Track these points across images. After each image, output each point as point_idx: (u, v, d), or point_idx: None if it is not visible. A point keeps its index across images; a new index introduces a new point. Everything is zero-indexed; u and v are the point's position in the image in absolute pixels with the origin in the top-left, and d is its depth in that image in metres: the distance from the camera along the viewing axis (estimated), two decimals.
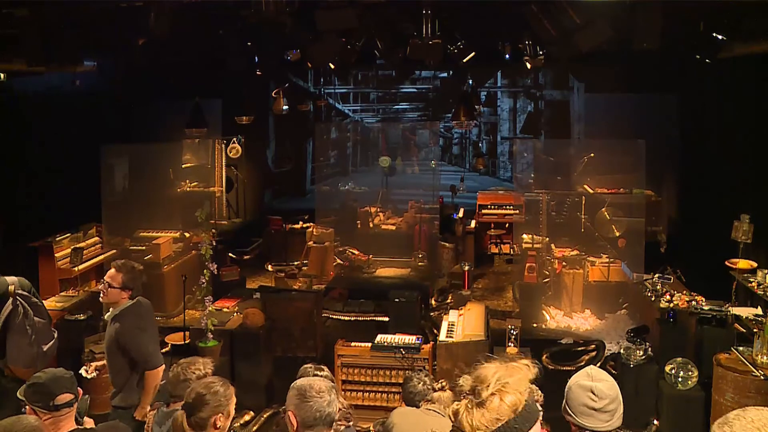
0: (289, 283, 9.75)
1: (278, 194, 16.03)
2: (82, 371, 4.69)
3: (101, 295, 4.62)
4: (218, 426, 2.96)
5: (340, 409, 3.31)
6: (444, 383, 3.94)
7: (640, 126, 9.71)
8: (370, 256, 11.21)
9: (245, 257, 11.52)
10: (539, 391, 3.44)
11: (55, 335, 5.36)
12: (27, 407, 3.03)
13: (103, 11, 6.09)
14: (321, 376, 3.59)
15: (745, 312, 6.38)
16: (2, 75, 7.37)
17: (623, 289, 8.84)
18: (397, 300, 7.58)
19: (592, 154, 10.81)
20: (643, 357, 6.21)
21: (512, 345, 6.27)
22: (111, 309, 4.58)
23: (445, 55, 7.26)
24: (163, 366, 4.41)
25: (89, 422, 3.36)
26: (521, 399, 1.76)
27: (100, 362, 4.81)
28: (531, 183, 12.06)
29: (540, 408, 3.32)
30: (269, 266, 10.92)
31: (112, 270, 4.53)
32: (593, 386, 2.57)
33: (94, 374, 4.70)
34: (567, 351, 7.60)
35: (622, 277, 8.93)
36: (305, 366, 3.86)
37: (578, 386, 2.60)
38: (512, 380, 1.77)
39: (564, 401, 2.66)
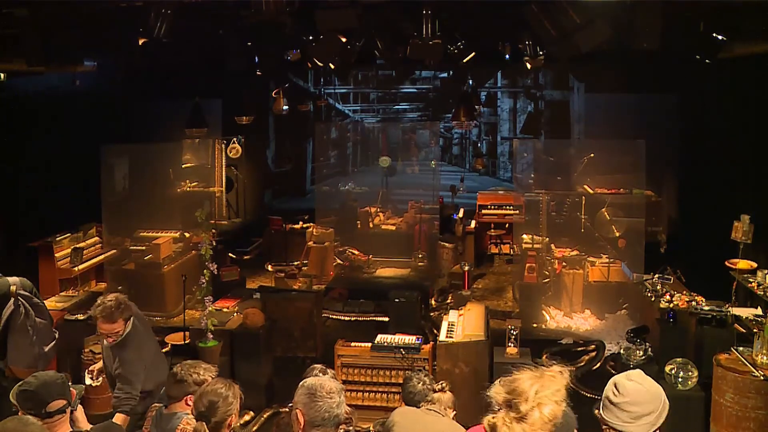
0: (289, 283, 9.75)
1: (278, 194, 16.03)
2: (87, 380, 4.64)
3: (106, 340, 4.41)
4: (231, 426, 3.05)
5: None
6: (444, 384, 3.93)
7: (640, 126, 9.71)
8: (370, 256, 11.20)
9: (245, 257, 11.53)
10: None
11: (56, 335, 5.36)
12: (20, 413, 2.98)
13: (103, 11, 6.09)
14: (325, 378, 3.58)
15: (745, 312, 6.38)
16: (2, 75, 7.37)
17: (623, 289, 8.84)
18: (397, 300, 7.58)
19: (592, 155, 10.82)
20: (643, 357, 6.21)
21: (512, 345, 6.26)
22: None
23: (445, 55, 7.24)
24: (128, 418, 4.28)
25: (80, 410, 3.32)
26: (559, 409, 1.74)
27: (98, 365, 4.77)
28: (531, 183, 12.06)
29: None
30: (269, 266, 10.92)
31: (108, 324, 4.26)
32: (618, 381, 2.58)
33: (100, 381, 4.67)
34: (567, 351, 7.60)
35: (622, 277, 8.93)
36: (313, 366, 3.86)
37: (611, 380, 2.62)
38: (549, 392, 1.75)
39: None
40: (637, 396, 2.56)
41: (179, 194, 11.84)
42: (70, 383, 3.27)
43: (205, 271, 6.86)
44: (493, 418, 1.79)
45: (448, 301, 9.12)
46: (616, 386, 2.57)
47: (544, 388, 1.75)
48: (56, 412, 3.00)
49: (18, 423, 2.69)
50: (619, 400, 2.54)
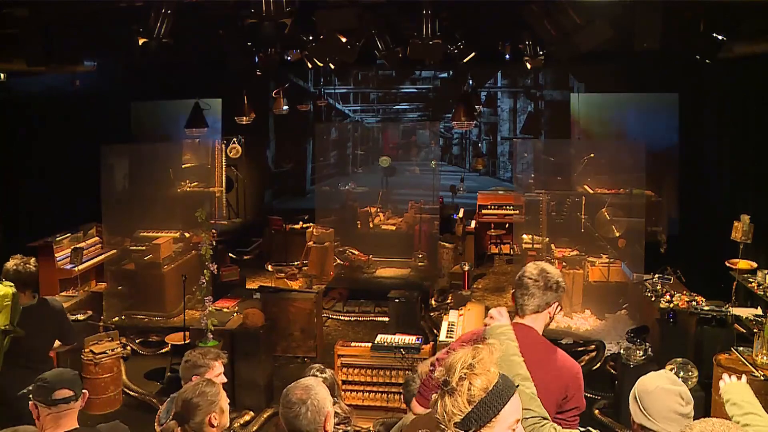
0: (289, 283, 9.76)
1: (278, 194, 16.04)
2: None
3: None
4: (214, 424, 2.89)
5: (337, 414, 3.30)
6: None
7: (640, 126, 9.73)
8: (370, 256, 11.21)
9: (245, 257, 11.54)
10: None
11: None
12: (30, 402, 3.10)
13: (103, 11, 6.08)
14: (322, 377, 3.58)
15: (745, 312, 6.38)
16: (2, 75, 7.37)
17: (623, 289, 8.84)
18: (397, 300, 7.58)
19: (592, 155, 10.81)
20: (643, 357, 6.20)
21: None
22: None
23: (445, 55, 7.24)
24: None
25: None
26: (492, 378, 1.79)
27: None
28: (531, 183, 12.05)
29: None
30: (269, 266, 10.92)
31: None
32: (681, 391, 2.44)
33: None
34: (567, 351, 7.59)
35: (622, 277, 8.93)
36: (312, 365, 3.87)
37: (664, 391, 2.45)
38: (476, 361, 1.80)
39: (638, 407, 2.47)
40: (690, 396, 2.44)
41: (179, 194, 11.83)
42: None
43: (205, 271, 6.86)
44: (435, 396, 1.86)
45: (448, 301, 9.12)
46: (681, 397, 2.42)
47: (472, 359, 1.80)
48: (60, 401, 3.06)
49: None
50: (688, 410, 2.40)
